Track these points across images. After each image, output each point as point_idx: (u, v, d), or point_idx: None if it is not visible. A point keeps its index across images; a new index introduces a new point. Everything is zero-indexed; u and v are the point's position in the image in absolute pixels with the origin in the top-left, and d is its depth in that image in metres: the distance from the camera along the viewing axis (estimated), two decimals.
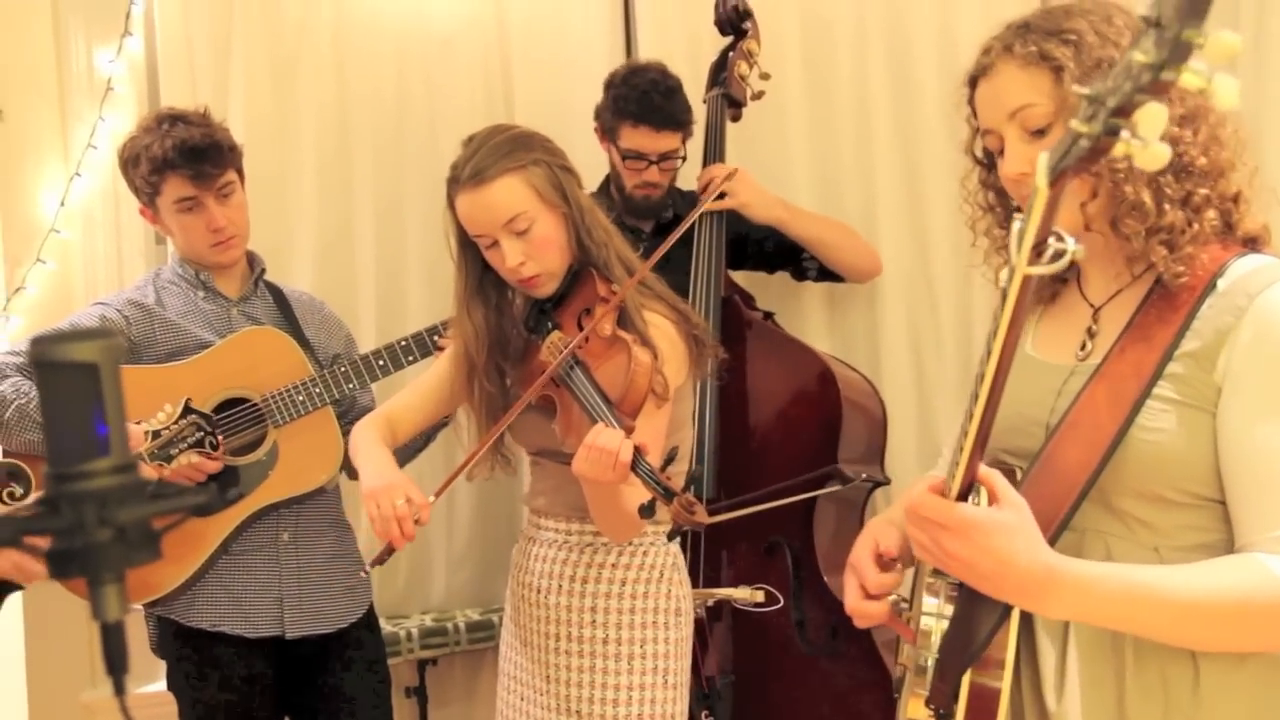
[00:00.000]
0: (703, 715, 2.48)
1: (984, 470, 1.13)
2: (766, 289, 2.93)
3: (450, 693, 3.09)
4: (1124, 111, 0.86)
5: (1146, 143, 0.86)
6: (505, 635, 2.11)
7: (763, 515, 2.34)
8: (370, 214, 2.99)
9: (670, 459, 1.66)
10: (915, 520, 1.14)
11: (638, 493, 1.66)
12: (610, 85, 2.68)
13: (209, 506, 1.80)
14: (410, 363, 2.35)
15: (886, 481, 2.71)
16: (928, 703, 1.22)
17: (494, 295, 1.96)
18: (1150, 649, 1.21)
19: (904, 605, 1.34)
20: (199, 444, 2.15)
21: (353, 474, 2.37)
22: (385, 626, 2.75)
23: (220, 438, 2.19)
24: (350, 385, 2.31)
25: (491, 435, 1.89)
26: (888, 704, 1.40)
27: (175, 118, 2.28)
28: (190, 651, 2.31)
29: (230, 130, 2.37)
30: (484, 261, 1.92)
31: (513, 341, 1.98)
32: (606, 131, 2.69)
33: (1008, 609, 1.19)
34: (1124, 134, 0.87)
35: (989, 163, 1.37)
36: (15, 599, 2.24)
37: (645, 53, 2.94)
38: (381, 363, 2.32)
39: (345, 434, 2.27)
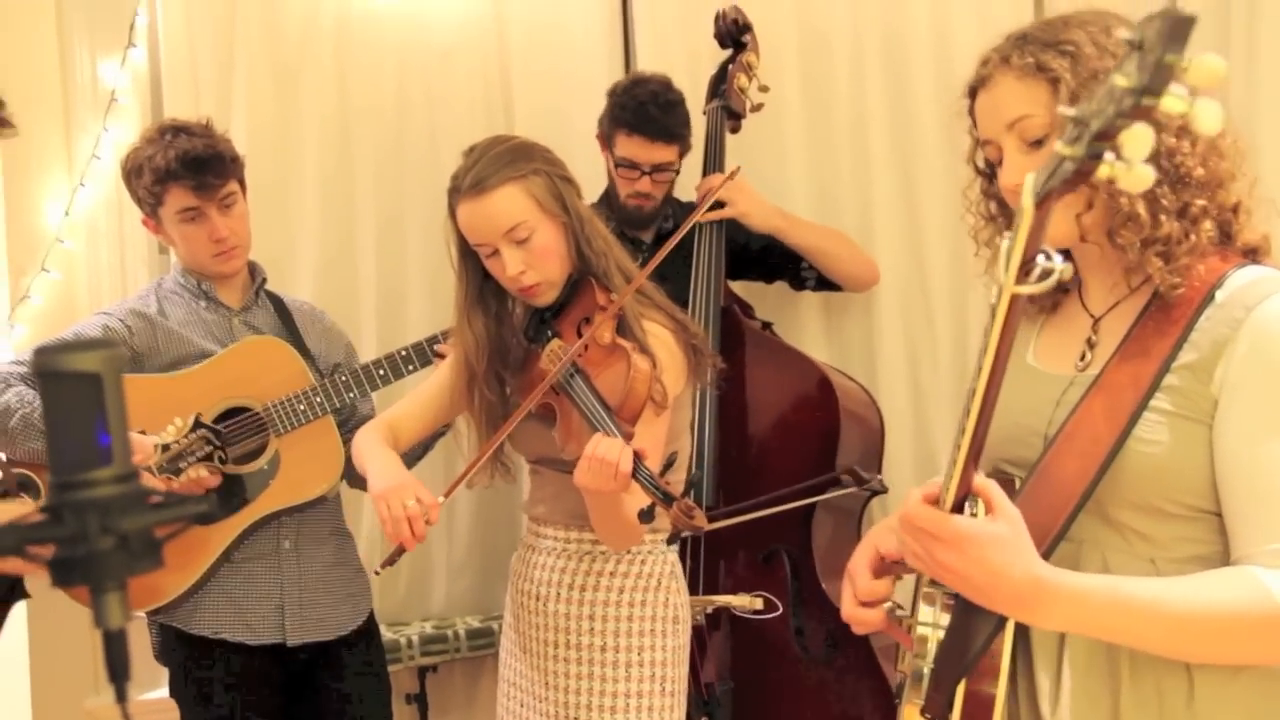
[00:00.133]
0: None
1: (980, 481, 1.13)
2: (764, 298, 2.93)
3: (450, 700, 3.09)
4: (1107, 135, 0.85)
5: (1131, 165, 0.85)
6: (505, 642, 2.12)
7: (761, 523, 2.35)
8: (371, 224, 2.99)
9: (669, 466, 1.68)
10: (909, 530, 1.14)
11: (638, 499, 1.67)
12: (612, 93, 2.69)
13: (210, 515, 1.81)
14: (410, 372, 2.35)
15: (884, 490, 2.71)
16: (923, 711, 1.21)
17: (494, 304, 1.97)
18: (1146, 661, 1.21)
19: (902, 613, 1.34)
20: (208, 458, 2.16)
21: (353, 482, 2.38)
22: (386, 633, 2.75)
23: (228, 451, 2.20)
24: (350, 394, 2.31)
25: (493, 442, 1.90)
26: (886, 711, 1.40)
27: (178, 129, 2.29)
28: (192, 658, 2.31)
29: (232, 141, 2.38)
30: (484, 270, 1.93)
31: (513, 350, 1.99)
32: (605, 138, 2.71)
33: (1003, 620, 1.19)
34: (1108, 156, 0.86)
35: (990, 173, 1.37)
36: (20, 607, 2.25)
37: (644, 65, 2.94)
38: (382, 372, 2.33)
39: (346, 443, 2.28)
